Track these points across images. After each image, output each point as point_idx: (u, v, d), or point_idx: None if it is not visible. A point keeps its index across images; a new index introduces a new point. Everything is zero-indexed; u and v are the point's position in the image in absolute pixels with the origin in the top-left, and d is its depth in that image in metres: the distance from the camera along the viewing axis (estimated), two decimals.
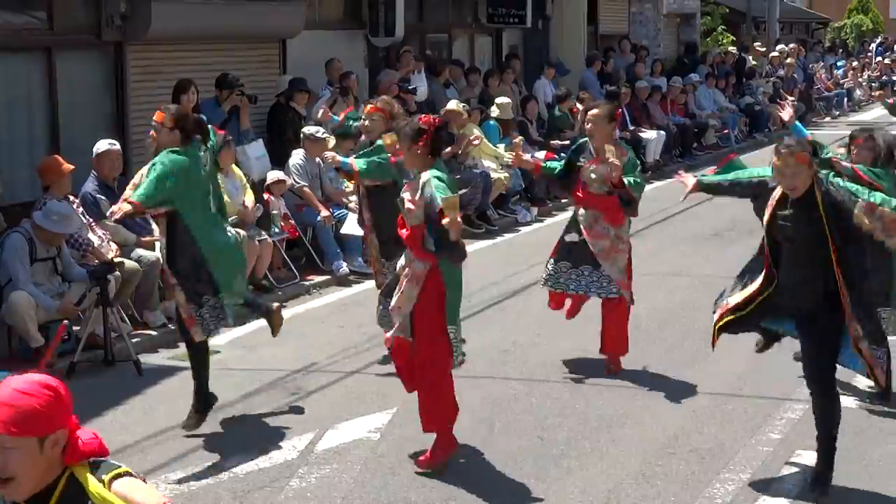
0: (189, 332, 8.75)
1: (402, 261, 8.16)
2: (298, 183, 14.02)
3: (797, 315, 7.54)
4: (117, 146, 11.85)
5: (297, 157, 14.20)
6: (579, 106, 20.49)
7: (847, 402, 9.30)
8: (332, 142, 14.26)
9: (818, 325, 7.37)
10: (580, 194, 10.08)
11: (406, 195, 7.93)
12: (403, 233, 8.00)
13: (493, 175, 17.20)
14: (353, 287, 13.69)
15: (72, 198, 11.14)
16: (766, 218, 7.45)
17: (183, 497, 7.68)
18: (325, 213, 13.74)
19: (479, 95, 19.74)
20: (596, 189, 9.90)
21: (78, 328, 10.60)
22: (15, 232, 10.50)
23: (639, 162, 10.56)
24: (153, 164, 8.55)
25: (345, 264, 13.95)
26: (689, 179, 8.38)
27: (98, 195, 11.39)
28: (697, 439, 8.53)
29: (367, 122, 10.31)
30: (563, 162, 10.39)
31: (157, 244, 11.56)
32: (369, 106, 10.47)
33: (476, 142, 16.99)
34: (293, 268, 13.53)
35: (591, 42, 26.18)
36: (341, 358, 10.71)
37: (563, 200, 19.21)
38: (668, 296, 12.76)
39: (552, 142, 19.70)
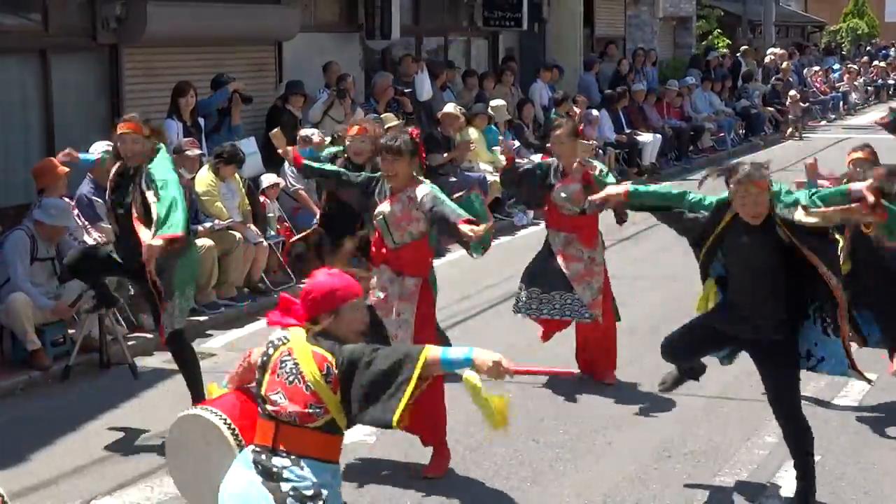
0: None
1: (374, 282, 8.03)
2: (294, 185, 14.00)
3: (754, 346, 7.38)
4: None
5: (250, 144, 14.18)
6: (576, 109, 20.52)
7: (842, 402, 9.34)
8: (327, 140, 14.26)
9: (778, 356, 7.23)
10: (551, 217, 9.93)
11: (388, 209, 7.87)
12: (384, 251, 7.96)
13: (490, 178, 17.19)
14: None
15: (67, 200, 11.11)
16: (710, 245, 7.36)
17: (178, 500, 7.65)
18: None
19: (475, 98, 19.72)
20: (567, 210, 9.73)
21: (73, 331, 10.58)
22: (18, 229, 10.51)
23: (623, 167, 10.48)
24: (166, 183, 8.40)
25: None
26: (620, 187, 8.03)
27: (94, 197, 11.37)
28: (693, 442, 8.52)
29: (353, 144, 10.20)
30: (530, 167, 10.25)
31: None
32: (355, 128, 10.38)
33: (473, 147, 17.02)
34: (289, 271, 13.50)
35: (588, 45, 26.18)
36: None
37: None
38: (665, 299, 12.75)
39: (548, 144, 19.62)
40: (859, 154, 9.78)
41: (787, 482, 7.69)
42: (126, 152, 8.60)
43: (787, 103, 29.63)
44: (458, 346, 5.24)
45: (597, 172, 9.59)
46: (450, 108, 17.55)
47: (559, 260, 9.74)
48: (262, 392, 5.13)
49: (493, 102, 18.80)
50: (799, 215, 6.94)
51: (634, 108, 23.30)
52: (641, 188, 8.01)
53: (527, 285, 9.94)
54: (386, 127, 15.85)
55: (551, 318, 9.87)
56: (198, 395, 8.77)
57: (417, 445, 8.19)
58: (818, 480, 7.47)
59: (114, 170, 8.76)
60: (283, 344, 5.15)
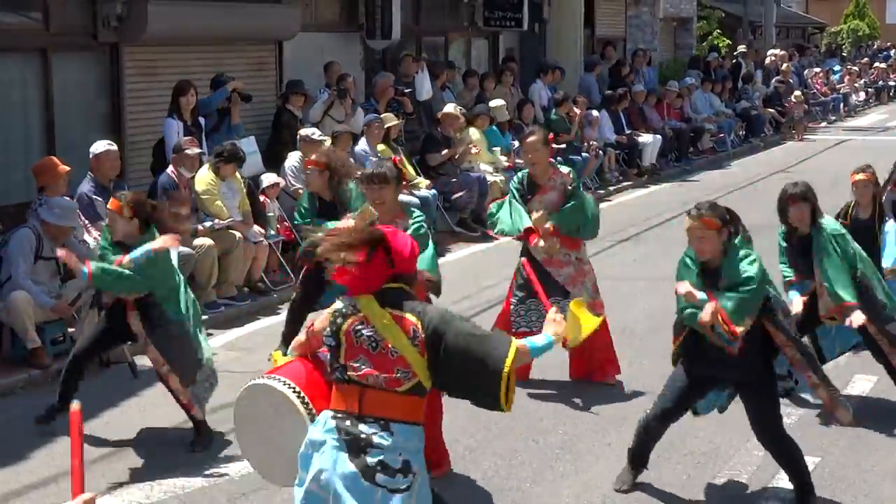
0: (192, 415, 8.61)
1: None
2: (294, 185, 14.00)
3: (734, 383, 7.45)
4: (115, 147, 11.84)
5: (292, 159, 14.19)
6: (576, 110, 20.52)
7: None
8: (328, 142, 14.26)
9: (759, 388, 7.28)
10: (530, 230, 9.68)
11: None
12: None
13: (490, 178, 17.19)
14: None
15: (67, 199, 11.11)
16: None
17: (178, 500, 7.67)
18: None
19: (475, 99, 19.72)
20: (546, 220, 9.60)
21: (73, 330, 10.58)
22: (25, 227, 10.52)
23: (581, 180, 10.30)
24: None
25: None
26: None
27: (94, 196, 11.38)
28: (693, 443, 8.52)
29: (307, 174, 10.29)
30: (513, 206, 9.79)
31: None
32: (306, 160, 10.58)
33: (474, 150, 17.02)
34: (289, 270, 13.50)
35: (588, 46, 26.18)
36: None
37: None
38: (663, 301, 12.66)
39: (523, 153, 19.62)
40: (862, 176, 9.71)
41: (787, 483, 7.68)
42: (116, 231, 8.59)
43: (792, 104, 29.65)
44: (541, 335, 5.37)
45: (570, 180, 9.62)
46: (450, 108, 17.55)
47: (548, 268, 9.61)
48: (341, 360, 5.11)
49: (492, 103, 18.80)
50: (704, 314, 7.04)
51: (635, 109, 23.30)
52: None
53: (520, 300, 9.73)
54: (387, 126, 15.91)
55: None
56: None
57: None
58: (818, 483, 7.47)
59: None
60: (353, 313, 5.13)
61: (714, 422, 8.94)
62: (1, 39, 12.78)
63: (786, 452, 7.36)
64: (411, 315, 5.05)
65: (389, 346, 5.02)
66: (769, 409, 7.30)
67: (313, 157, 10.45)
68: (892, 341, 8.75)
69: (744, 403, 7.43)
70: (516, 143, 18.89)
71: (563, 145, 19.91)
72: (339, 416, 5.10)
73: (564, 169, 9.85)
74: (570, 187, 9.61)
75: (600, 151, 21.09)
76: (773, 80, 30.95)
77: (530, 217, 9.55)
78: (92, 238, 11.08)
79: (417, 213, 7.95)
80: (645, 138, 22.74)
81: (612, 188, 21.26)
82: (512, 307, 9.78)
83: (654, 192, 21.46)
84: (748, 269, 7.01)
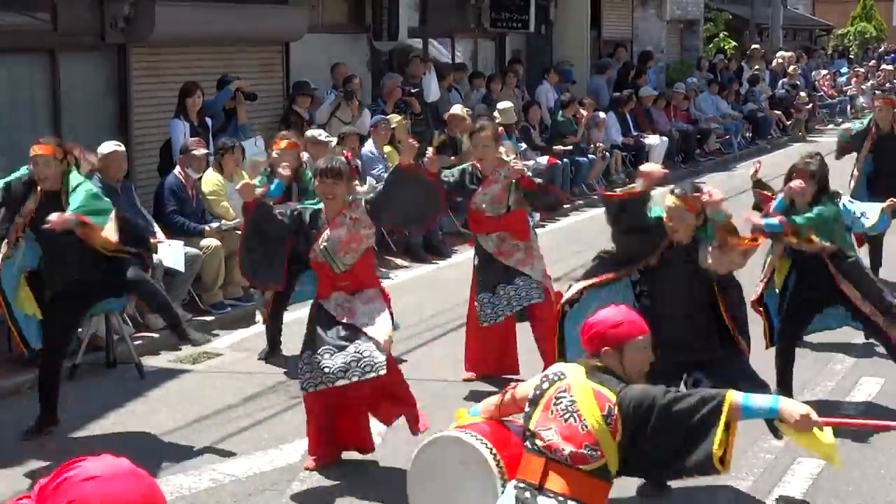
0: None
1: (332, 304, 7.91)
2: None
3: (702, 364, 7.49)
4: (122, 148, 11.83)
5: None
6: (583, 112, 20.51)
7: (847, 411, 9.31)
8: (334, 143, 14.26)
9: (725, 367, 7.35)
10: (475, 221, 9.87)
11: (329, 237, 7.80)
12: (332, 279, 7.90)
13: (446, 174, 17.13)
14: None
15: None
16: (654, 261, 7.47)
17: (184, 500, 7.68)
18: None
19: (481, 100, 19.74)
20: (492, 211, 9.68)
21: (80, 330, 10.58)
22: None
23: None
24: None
25: None
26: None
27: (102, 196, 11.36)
28: None
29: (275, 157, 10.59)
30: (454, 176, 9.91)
31: (160, 247, 11.54)
32: (283, 142, 10.79)
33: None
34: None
35: (595, 47, 26.18)
36: None
37: (565, 206, 19.24)
38: None
39: (555, 147, 19.69)
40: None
41: (793, 486, 7.69)
42: (39, 175, 8.57)
43: (798, 104, 29.68)
44: (762, 395, 5.11)
45: (515, 171, 9.65)
46: (456, 109, 17.56)
47: (498, 259, 9.66)
48: (532, 427, 4.95)
49: (499, 105, 18.79)
50: (702, 258, 7.19)
51: (641, 110, 23.29)
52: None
53: (478, 293, 9.78)
54: (393, 127, 15.91)
55: (507, 315, 9.66)
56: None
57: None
58: (824, 486, 7.47)
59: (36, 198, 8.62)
60: (560, 379, 5.00)
61: None
62: (9, 40, 12.79)
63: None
64: (611, 392, 4.88)
65: (583, 420, 4.85)
66: (741, 367, 7.37)
67: (290, 138, 10.92)
68: (887, 311, 8.70)
69: (716, 379, 7.24)
70: (523, 146, 18.93)
71: (570, 147, 19.94)
72: (521, 486, 4.94)
73: (520, 163, 9.87)
74: (513, 181, 9.60)
75: (606, 153, 21.09)
76: (780, 82, 30.90)
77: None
78: None
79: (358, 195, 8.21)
80: (651, 140, 22.72)
81: (618, 190, 21.16)
82: (476, 305, 9.75)
83: (659, 194, 21.40)
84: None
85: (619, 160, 21.80)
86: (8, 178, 8.84)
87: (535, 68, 23.30)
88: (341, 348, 7.69)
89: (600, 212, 18.18)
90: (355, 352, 7.66)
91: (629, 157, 22.24)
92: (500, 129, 10.04)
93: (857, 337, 10.32)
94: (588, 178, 20.63)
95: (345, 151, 8.24)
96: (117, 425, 9.10)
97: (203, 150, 12.58)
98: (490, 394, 6.01)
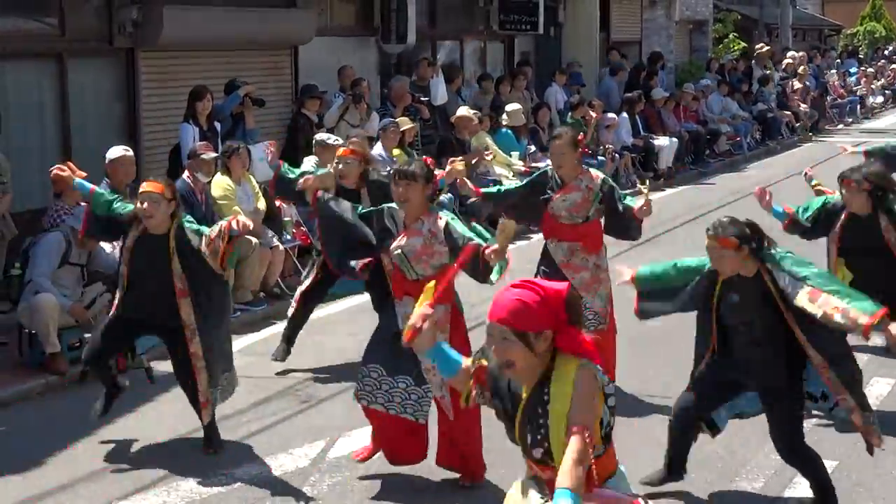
0: (202, 415, 8.53)
1: (402, 320, 7.45)
2: None
3: (757, 388, 7.42)
4: (131, 152, 11.84)
5: (308, 163, 14.16)
6: (592, 114, 20.50)
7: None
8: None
9: (785, 395, 7.25)
10: (550, 228, 9.58)
11: (405, 243, 7.56)
12: (405, 284, 7.64)
13: (506, 183, 17.15)
14: (365, 294, 13.64)
15: (83, 204, 11.11)
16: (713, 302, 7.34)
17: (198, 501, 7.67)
18: None
19: (490, 102, 19.74)
20: (567, 220, 9.45)
21: (89, 335, 10.59)
22: (57, 231, 10.52)
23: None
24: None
25: None
26: (626, 273, 8.02)
27: None
28: (710, 448, 8.48)
29: (341, 167, 10.18)
30: (507, 187, 9.88)
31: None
32: (342, 149, 10.43)
33: (489, 157, 16.99)
34: (302, 271, 13.48)
35: (603, 49, 26.17)
36: (352, 366, 10.63)
37: None
38: None
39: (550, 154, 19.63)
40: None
41: (804, 489, 7.66)
42: (145, 213, 8.33)
43: (796, 102, 29.65)
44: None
45: (598, 182, 9.41)
46: (463, 110, 17.55)
47: (564, 271, 9.42)
48: None
49: (508, 107, 18.78)
50: (802, 301, 6.92)
51: (652, 112, 23.26)
52: (647, 272, 8.01)
53: None
54: (402, 130, 15.91)
55: None
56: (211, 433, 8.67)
57: (434, 450, 8.16)
58: (836, 488, 7.44)
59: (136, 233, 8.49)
60: None
61: (730, 427, 8.91)
62: (17, 44, 12.82)
63: (807, 464, 7.33)
64: None
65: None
66: (792, 418, 7.26)
67: (350, 146, 10.53)
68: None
69: (766, 411, 7.40)
70: (532, 148, 18.93)
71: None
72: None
73: (596, 172, 9.62)
74: (597, 188, 9.37)
75: (616, 155, 21.06)
76: (789, 81, 30.79)
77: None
78: (108, 244, 11.08)
79: (445, 209, 7.84)
80: (661, 141, 22.69)
81: (627, 191, 21.17)
82: None
83: (670, 195, 21.41)
84: (800, 269, 7.01)
85: (628, 161, 21.77)
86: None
87: (544, 70, 23.29)
88: (396, 372, 7.67)
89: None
90: (405, 389, 7.69)
91: (639, 158, 22.22)
92: (581, 135, 9.78)
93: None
94: None
95: (425, 157, 8.03)
96: (126, 429, 9.09)
97: (212, 154, 12.58)
98: None
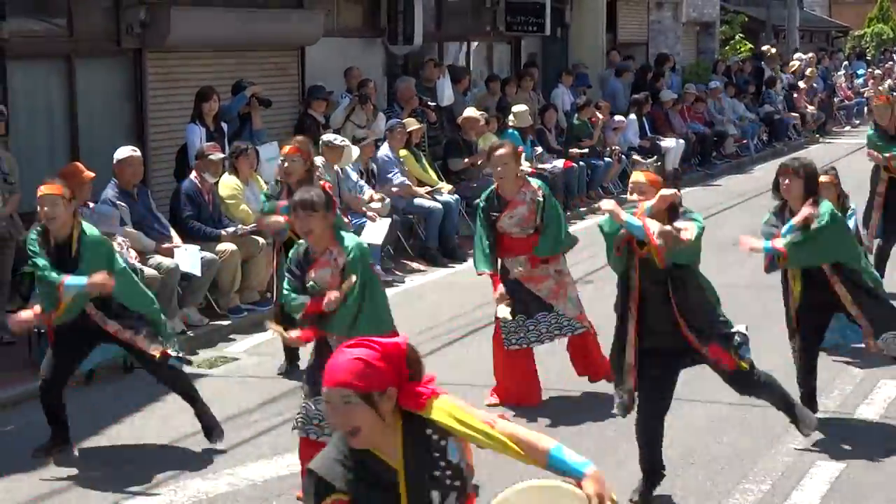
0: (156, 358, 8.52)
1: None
2: None
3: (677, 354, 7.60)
4: (139, 153, 11.87)
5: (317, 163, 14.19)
6: (598, 114, 20.49)
7: (866, 411, 9.28)
8: (355, 152, 14.27)
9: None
10: (503, 245, 9.37)
11: (316, 276, 7.27)
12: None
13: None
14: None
15: (91, 205, 11.15)
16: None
17: (215, 499, 7.68)
18: (344, 220, 13.72)
19: (497, 103, 19.74)
20: (518, 233, 9.31)
21: None
22: None
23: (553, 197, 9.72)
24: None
25: None
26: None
27: (118, 202, 11.39)
28: (716, 449, 8.49)
29: (286, 164, 10.19)
30: (484, 228, 9.40)
31: (176, 251, 11.56)
32: (288, 147, 10.34)
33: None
34: None
35: (610, 50, 26.15)
36: None
37: (582, 209, 19.22)
38: None
39: (571, 150, 19.68)
40: (825, 178, 9.84)
41: (812, 490, 7.66)
42: (46, 216, 8.12)
43: (802, 104, 29.69)
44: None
45: (540, 196, 9.29)
46: (470, 111, 17.56)
47: (527, 285, 9.35)
48: None
49: (515, 108, 18.78)
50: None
51: (660, 113, 23.24)
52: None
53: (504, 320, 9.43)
54: (408, 130, 15.92)
55: (539, 342, 9.48)
56: (208, 423, 8.68)
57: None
58: (842, 489, 7.44)
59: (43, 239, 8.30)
60: None
61: (737, 427, 8.93)
62: (26, 46, 12.84)
63: (767, 390, 7.86)
64: None
65: None
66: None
67: (294, 144, 10.40)
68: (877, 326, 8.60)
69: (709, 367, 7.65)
70: (539, 149, 18.93)
71: (586, 150, 19.92)
72: None
73: (535, 182, 9.51)
74: (540, 200, 9.28)
75: (623, 156, 21.06)
76: (785, 79, 30.68)
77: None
78: (115, 244, 11.08)
79: (349, 241, 7.33)
80: (668, 143, 22.67)
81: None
82: (501, 324, 9.46)
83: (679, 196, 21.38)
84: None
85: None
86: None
87: (550, 71, 23.29)
88: None
89: None
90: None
91: (645, 159, 22.19)
92: (521, 148, 9.70)
93: None
94: (604, 181, 20.60)
95: (322, 182, 7.73)
96: (134, 429, 9.11)
97: (219, 155, 12.60)
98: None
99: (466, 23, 21.72)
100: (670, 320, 7.39)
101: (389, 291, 13.69)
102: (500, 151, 9.26)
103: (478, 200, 9.89)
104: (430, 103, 17.71)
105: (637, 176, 7.51)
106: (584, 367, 9.83)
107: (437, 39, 20.51)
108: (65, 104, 13.42)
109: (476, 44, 22.18)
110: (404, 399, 4.11)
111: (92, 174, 11.18)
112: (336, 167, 13.92)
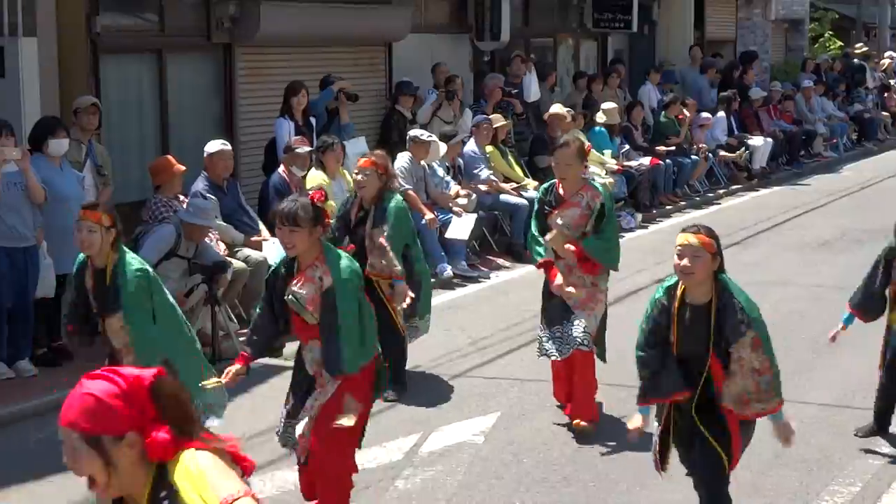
0: None
1: (309, 356, 6.91)
2: (403, 186, 14.02)
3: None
4: (229, 147, 11.99)
5: (402, 159, 14.23)
6: (685, 112, 20.35)
7: None
8: (442, 148, 14.30)
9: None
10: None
11: (298, 290, 6.71)
12: (306, 328, 6.85)
13: (599, 181, 17.06)
14: (458, 290, 13.73)
15: (182, 197, 11.28)
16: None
17: (288, 495, 7.72)
18: (429, 216, 13.76)
19: (583, 101, 19.68)
20: (565, 234, 8.77)
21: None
22: (169, 224, 10.65)
23: (615, 204, 9.25)
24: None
25: (449, 267, 14.01)
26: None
27: (208, 194, 11.50)
28: (806, 450, 8.39)
29: (359, 177, 9.52)
30: (538, 219, 9.03)
31: (264, 244, 11.65)
32: (363, 160, 9.66)
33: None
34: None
35: (692, 47, 25.95)
36: (445, 361, 10.71)
37: (668, 207, 19.13)
38: (775, 305, 12.54)
39: (657, 147, 19.56)
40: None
41: None
42: (82, 243, 7.43)
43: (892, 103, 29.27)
44: None
45: (598, 203, 8.75)
46: (556, 108, 17.52)
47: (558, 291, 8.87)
48: None
49: (604, 105, 18.73)
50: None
51: (749, 111, 23.03)
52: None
53: (547, 326, 9.02)
54: (495, 126, 15.92)
55: (561, 358, 8.91)
56: None
57: (527, 446, 8.16)
58: None
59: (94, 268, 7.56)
60: None
61: (827, 428, 8.83)
62: (118, 40, 13.01)
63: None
64: None
65: None
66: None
67: (370, 157, 9.70)
68: None
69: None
70: (626, 146, 18.85)
71: (673, 148, 19.80)
72: None
73: (598, 187, 8.97)
74: (597, 207, 8.74)
75: (709, 154, 20.91)
76: (876, 77, 30.21)
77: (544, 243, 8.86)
78: (216, 239, 11.22)
79: (344, 261, 6.78)
80: (756, 141, 22.47)
81: (721, 191, 21.07)
82: (539, 332, 9.15)
83: (764, 195, 21.22)
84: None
85: (721, 162, 21.59)
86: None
87: (637, 68, 23.17)
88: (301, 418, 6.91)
89: (702, 213, 18.12)
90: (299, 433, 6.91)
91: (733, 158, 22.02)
92: (588, 145, 9.24)
93: None
94: (691, 180, 20.46)
95: (311, 192, 6.87)
96: (225, 420, 9.17)
97: (306, 148, 12.68)
98: None
99: (553, 19, 21.67)
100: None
101: (474, 287, 13.90)
102: (565, 151, 8.76)
103: (538, 191, 9.49)
104: (512, 91, 17.73)
105: (688, 239, 6.26)
106: (566, 395, 9.20)
107: (524, 36, 20.48)
108: (155, 98, 13.58)
109: (566, 42, 22.13)
110: (150, 446, 3.37)
111: (183, 167, 11.32)
112: (423, 163, 13.96)
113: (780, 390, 6.38)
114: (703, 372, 6.29)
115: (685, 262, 6.18)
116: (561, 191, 8.87)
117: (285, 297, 6.76)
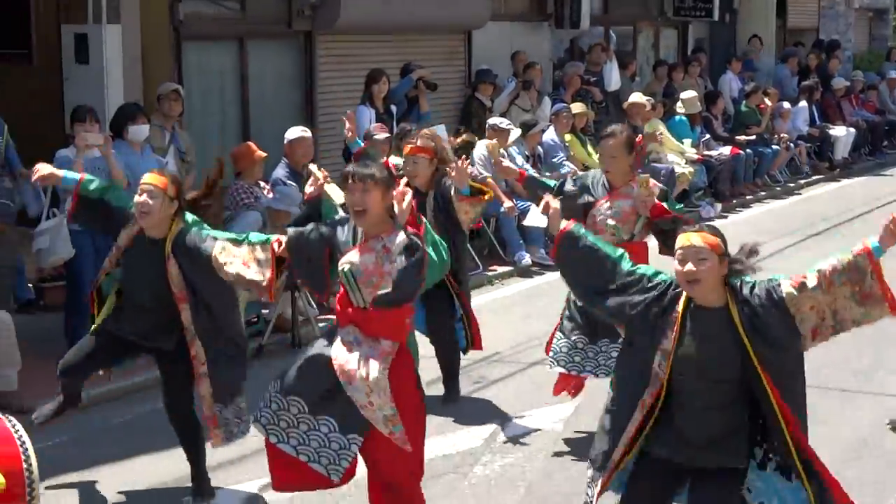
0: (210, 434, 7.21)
1: (337, 348, 6.23)
2: (482, 174, 14.02)
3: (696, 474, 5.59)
4: (309, 133, 12.03)
5: (481, 147, 14.23)
6: (767, 102, 20.15)
7: None
8: (515, 133, 14.28)
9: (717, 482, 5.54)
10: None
11: (357, 259, 6.12)
12: (350, 311, 6.20)
13: (678, 170, 17.00)
14: (536, 278, 13.70)
15: (263, 184, 11.35)
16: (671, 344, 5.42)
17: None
18: (508, 204, 13.71)
19: (664, 89, 19.56)
20: (610, 229, 8.07)
21: (267, 311, 10.82)
22: (255, 210, 10.72)
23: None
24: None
25: (527, 255, 14.01)
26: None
27: (288, 181, 11.56)
28: (889, 442, 8.29)
29: (409, 167, 9.01)
30: (555, 183, 8.50)
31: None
32: (409, 146, 9.14)
33: (660, 137, 16.85)
34: (475, 258, 13.55)
35: (779, 36, 25.69)
36: (525, 348, 10.69)
37: (748, 196, 18.97)
38: None
39: (738, 137, 19.39)
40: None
41: None
42: (141, 207, 6.95)
43: None
44: None
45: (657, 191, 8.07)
46: (636, 97, 17.43)
47: None
48: None
49: (684, 94, 18.60)
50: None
51: (831, 101, 22.75)
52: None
53: (569, 332, 8.27)
54: (627, 104, 15.82)
55: (597, 376, 8.18)
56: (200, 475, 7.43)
57: None
58: None
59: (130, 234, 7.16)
60: None
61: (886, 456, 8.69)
62: (200, 27, 13.11)
63: None
64: None
65: None
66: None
67: (418, 143, 9.14)
68: None
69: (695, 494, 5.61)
70: (706, 135, 18.72)
71: (753, 137, 19.63)
72: None
73: (654, 183, 8.18)
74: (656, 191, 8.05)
75: (791, 144, 20.69)
76: None
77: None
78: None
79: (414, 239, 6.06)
80: (837, 131, 22.20)
81: (802, 181, 20.86)
82: (555, 340, 8.37)
83: (846, 186, 20.97)
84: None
85: (803, 151, 21.35)
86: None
87: (717, 57, 22.96)
88: (319, 411, 6.24)
89: (783, 204, 17.90)
90: (326, 434, 6.27)
91: (814, 147, 21.79)
92: (639, 138, 8.52)
93: None
94: (771, 170, 20.26)
95: (385, 159, 6.27)
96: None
97: (384, 134, 12.69)
98: None
99: (633, 7, 21.54)
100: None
101: (553, 275, 13.75)
102: (609, 142, 8.15)
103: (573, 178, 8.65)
104: (591, 79, 17.66)
105: (690, 239, 5.38)
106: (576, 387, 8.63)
107: (604, 24, 20.37)
108: (237, 85, 13.68)
109: (647, 30, 22.00)
110: None
111: (264, 154, 11.39)
112: (501, 150, 13.95)
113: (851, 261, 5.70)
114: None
115: (689, 267, 5.33)
116: (611, 179, 8.24)
117: (339, 267, 6.15)
